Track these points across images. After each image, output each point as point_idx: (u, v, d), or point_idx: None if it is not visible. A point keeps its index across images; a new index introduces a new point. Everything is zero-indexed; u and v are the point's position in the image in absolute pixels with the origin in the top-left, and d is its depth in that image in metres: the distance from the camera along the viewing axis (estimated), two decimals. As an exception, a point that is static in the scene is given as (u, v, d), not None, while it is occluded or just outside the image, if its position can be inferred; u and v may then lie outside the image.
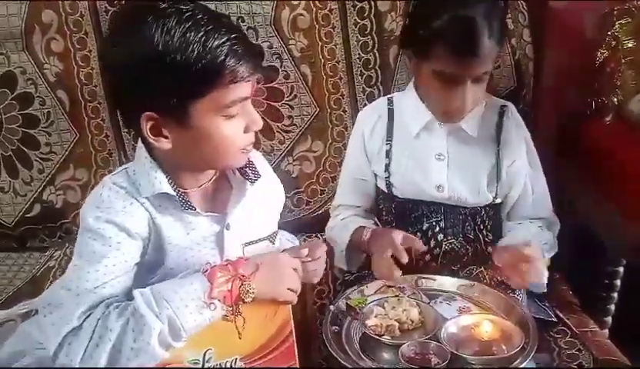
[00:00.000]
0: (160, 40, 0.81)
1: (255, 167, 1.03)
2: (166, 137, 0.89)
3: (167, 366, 0.85)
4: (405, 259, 1.11)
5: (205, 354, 0.88)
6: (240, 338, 0.89)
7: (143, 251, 0.96)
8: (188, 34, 0.81)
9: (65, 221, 1.68)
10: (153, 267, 0.98)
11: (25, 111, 1.64)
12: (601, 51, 1.62)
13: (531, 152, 1.28)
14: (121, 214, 0.92)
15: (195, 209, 0.96)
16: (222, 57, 0.83)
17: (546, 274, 1.14)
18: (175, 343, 0.85)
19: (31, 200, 1.69)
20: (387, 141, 1.28)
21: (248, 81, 0.89)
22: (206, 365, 0.88)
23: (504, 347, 0.99)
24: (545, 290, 1.19)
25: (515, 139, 1.25)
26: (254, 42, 0.91)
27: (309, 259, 1.01)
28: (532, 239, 1.18)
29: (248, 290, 0.88)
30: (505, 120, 1.26)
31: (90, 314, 0.85)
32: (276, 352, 0.93)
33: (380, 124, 1.31)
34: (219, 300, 0.87)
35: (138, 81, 0.84)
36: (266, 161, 1.17)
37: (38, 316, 1.11)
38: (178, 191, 0.95)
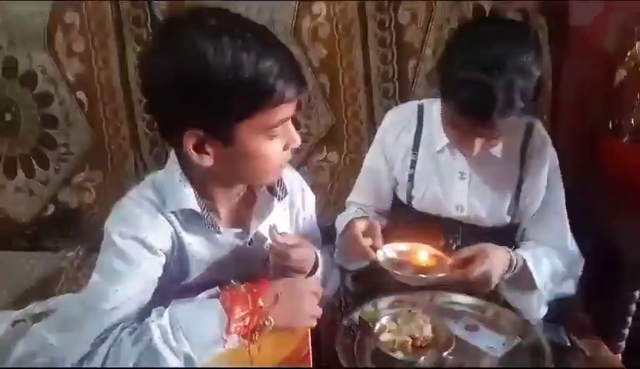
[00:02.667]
0: (212, 59, 0.79)
1: (284, 185, 1.02)
2: (208, 154, 0.87)
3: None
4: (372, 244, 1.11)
5: None
6: (251, 363, 0.89)
7: (166, 265, 0.96)
8: (240, 55, 0.80)
9: (79, 221, 1.69)
10: (176, 278, 0.98)
11: (44, 111, 1.65)
12: (620, 70, 1.62)
13: (554, 175, 1.24)
14: (145, 229, 0.91)
15: (219, 229, 0.96)
16: (272, 80, 0.82)
17: (538, 306, 1.16)
18: None
19: (47, 199, 1.70)
20: (413, 151, 1.27)
21: (294, 102, 0.88)
22: None
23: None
24: (538, 319, 1.18)
25: (540, 159, 1.22)
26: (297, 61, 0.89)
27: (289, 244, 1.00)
28: (539, 259, 1.16)
29: (265, 325, 0.88)
30: (530, 139, 1.23)
31: (104, 339, 0.85)
32: None
33: (407, 132, 1.29)
34: (236, 334, 0.87)
35: (185, 97, 0.82)
36: (295, 172, 1.16)
37: (55, 324, 1.11)
38: (205, 206, 0.95)
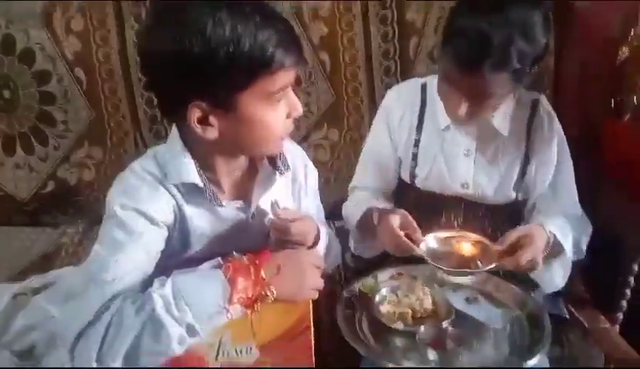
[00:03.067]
0: (211, 32, 0.80)
1: (286, 159, 1.03)
2: (212, 126, 0.88)
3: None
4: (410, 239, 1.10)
5: (221, 338, 0.88)
6: (253, 335, 0.89)
7: (168, 237, 0.96)
8: (239, 27, 0.81)
9: (79, 198, 1.70)
10: (178, 251, 0.98)
11: (43, 88, 1.65)
12: (623, 50, 1.61)
13: (562, 146, 1.23)
14: (147, 201, 0.91)
15: (221, 202, 0.97)
16: (271, 48, 0.83)
17: (558, 272, 1.14)
18: (192, 340, 0.85)
19: (46, 176, 1.70)
20: (417, 130, 1.27)
21: (294, 69, 0.89)
22: (221, 349, 0.89)
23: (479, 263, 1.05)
24: (559, 288, 1.18)
25: (547, 134, 1.22)
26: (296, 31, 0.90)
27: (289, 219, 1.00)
28: (553, 230, 1.15)
29: (267, 295, 0.88)
30: (536, 115, 1.23)
31: (106, 308, 0.85)
32: (292, 344, 0.92)
33: (411, 111, 1.28)
34: (238, 304, 0.87)
35: (187, 71, 0.83)
36: (298, 147, 1.16)
37: (57, 296, 1.11)
38: (207, 180, 0.95)
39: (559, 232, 1.16)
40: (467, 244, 1.12)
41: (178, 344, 0.83)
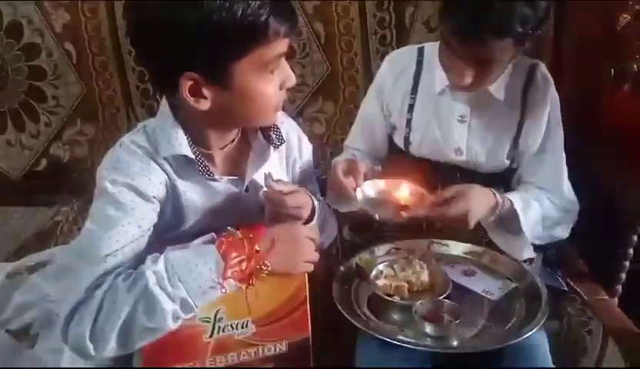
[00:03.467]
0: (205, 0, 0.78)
1: (280, 132, 1.01)
2: (205, 97, 0.86)
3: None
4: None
5: (216, 313, 0.88)
6: (249, 310, 0.89)
7: (160, 212, 0.94)
8: None
9: (73, 176, 1.68)
10: (172, 226, 0.97)
11: (32, 63, 1.62)
12: (623, 16, 1.58)
13: (554, 115, 1.20)
14: (138, 176, 0.90)
15: (213, 175, 0.95)
16: (265, 16, 0.81)
17: (521, 248, 1.15)
18: (187, 315, 0.85)
19: (38, 154, 1.69)
20: (411, 95, 1.24)
21: (287, 37, 0.87)
22: (217, 324, 0.89)
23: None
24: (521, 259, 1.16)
25: (540, 99, 1.19)
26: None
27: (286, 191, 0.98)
28: (528, 203, 1.14)
29: (262, 269, 0.88)
30: (533, 81, 1.20)
31: (99, 284, 0.84)
32: (288, 318, 0.92)
33: (405, 75, 1.26)
34: (232, 279, 0.86)
35: (179, 40, 0.80)
36: (292, 120, 1.14)
37: (50, 274, 1.11)
38: (199, 153, 0.94)
39: (520, 202, 1.14)
40: (404, 192, 1.11)
41: (173, 319, 0.83)
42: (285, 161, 1.11)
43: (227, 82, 0.85)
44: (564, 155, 1.21)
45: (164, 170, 0.93)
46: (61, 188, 1.69)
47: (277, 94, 0.91)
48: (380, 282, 1.04)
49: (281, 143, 1.01)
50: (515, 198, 1.14)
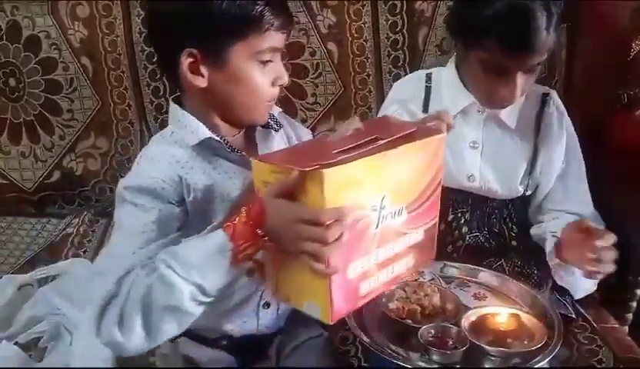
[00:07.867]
0: None
1: (276, 118, 1.05)
2: (202, 76, 0.92)
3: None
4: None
5: (382, 200, 0.83)
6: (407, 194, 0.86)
7: (183, 217, 0.94)
8: None
9: (84, 188, 1.69)
10: (209, 222, 0.93)
11: (48, 76, 1.64)
12: (636, 42, 1.58)
13: (572, 143, 1.21)
14: (159, 181, 0.91)
15: (239, 151, 0.96)
16: (263, 6, 0.89)
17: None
18: (206, 298, 0.83)
19: (51, 166, 1.70)
20: None
21: (283, 32, 0.93)
22: (382, 212, 0.83)
23: (525, 342, 0.97)
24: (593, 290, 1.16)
25: (556, 130, 1.20)
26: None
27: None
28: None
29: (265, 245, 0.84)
30: (546, 109, 1.20)
31: (125, 278, 0.83)
32: (428, 202, 0.91)
33: (415, 102, 1.25)
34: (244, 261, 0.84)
35: (183, 18, 0.89)
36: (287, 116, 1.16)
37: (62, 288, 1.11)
38: (220, 136, 0.96)
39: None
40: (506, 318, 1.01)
41: (191, 300, 0.81)
42: (287, 144, 1.11)
43: (223, 63, 0.91)
44: (585, 177, 1.22)
45: (180, 175, 0.93)
46: (73, 200, 1.70)
47: (269, 88, 0.95)
48: (392, 305, 1.04)
49: (280, 127, 1.05)
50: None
